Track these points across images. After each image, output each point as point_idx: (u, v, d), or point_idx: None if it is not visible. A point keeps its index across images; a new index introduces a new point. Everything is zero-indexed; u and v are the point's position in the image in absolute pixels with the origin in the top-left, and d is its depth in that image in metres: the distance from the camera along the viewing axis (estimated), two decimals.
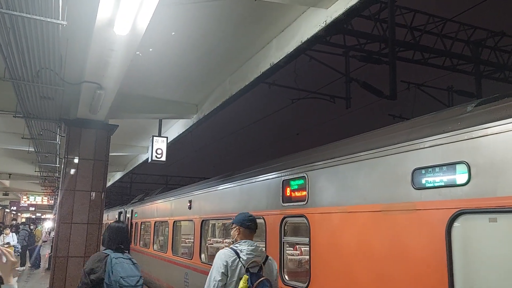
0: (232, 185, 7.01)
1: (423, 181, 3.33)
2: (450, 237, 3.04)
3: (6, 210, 43.43)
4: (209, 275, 3.30)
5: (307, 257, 4.90)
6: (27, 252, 15.52)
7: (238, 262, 3.17)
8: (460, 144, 3.12)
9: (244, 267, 3.14)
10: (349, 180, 4.17)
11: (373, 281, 3.64)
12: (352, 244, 3.97)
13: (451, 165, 3.14)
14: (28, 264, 15.20)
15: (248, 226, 3.45)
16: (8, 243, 8.63)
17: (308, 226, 4.67)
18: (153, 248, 11.66)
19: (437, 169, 3.24)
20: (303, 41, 5.15)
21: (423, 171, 3.35)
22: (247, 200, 6.46)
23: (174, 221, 9.88)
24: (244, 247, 3.26)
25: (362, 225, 3.89)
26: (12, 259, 2.08)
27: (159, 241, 11.53)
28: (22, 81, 5.57)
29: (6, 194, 27.67)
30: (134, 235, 14.64)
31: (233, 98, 7.29)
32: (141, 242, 13.46)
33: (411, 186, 3.40)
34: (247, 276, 3.08)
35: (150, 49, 5.72)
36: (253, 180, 6.26)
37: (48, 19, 3.75)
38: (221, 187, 7.48)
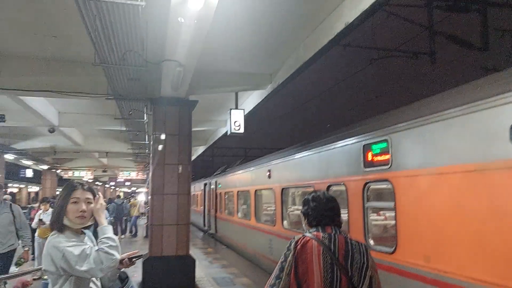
0: (310, 153, 7.00)
1: None
2: None
3: (106, 185, 48.14)
4: None
5: (392, 222, 4.78)
6: (118, 223, 17.07)
7: None
8: None
9: None
10: (438, 140, 3.93)
11: (467, 244, 3.46)
12: (442, 207, 3.78)
13: None
14: (120, 235, 16.79)
15: None
16: (40, 220, 8.44)
17: (393, 190, 4.53)
18: (238, 216, 12.20)
19: None
20: None
21: None
22: (326, 167, 6.43)
23: (255, 190, 10.20)
24: None
25: (453, 186, 3.69)
26: (101, 202, 2.33)
27: (243, 209, 12.02)
28: (110, 64, 6.00)
29: (105, 171, 30.59)
30: (219, 204, 15.40)
31: (307, 64, 7.17)
32: (226, 211, 14.14)
33: (510, 142, 3.12)
34: None
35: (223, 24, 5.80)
36: (332, 147, 6.19)
37: (128, 1, 3.97)
38: (299, 155, 7.51)
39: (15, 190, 47.30)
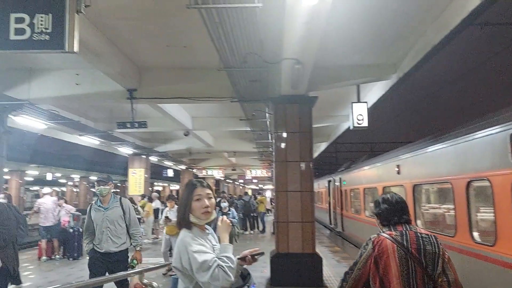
0: (445, 145, 6.35)
1: None
2: None
3: (236, 183, 51.21)
4: None
5: None
6: (247, 219, 17.87)
7: None
8: None
9: None
10: None
11: None
12: None
13: None
14: (249, 231, 17.58)
15: None
16: (167, 217, 8.53)
17: None
18: (365, 215, 11.75)
19: None
20: None
21: None
22: (464, 160, 5.75)
23: (383, 187, 9.69)
24: None
25: None
26: (226, 220, 2.41)
27: (370, 207, 11.53)
28: (233, 68, 6.32)
29: (233, 170, 32.56)
30: (345, 202, 15.06)
31: (436, 49, 6.52)
32: (352, 209, 13.74)
33: None
34: None
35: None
36: (471, 138, 5.51)
37: (246, 5, 4.11)
38: (432, 148, 6.88)
39: (160, 188, 53.55)
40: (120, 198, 5.34)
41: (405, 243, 2.51)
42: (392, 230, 2.61)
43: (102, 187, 5.15)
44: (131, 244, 5.25)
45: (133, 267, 5.06)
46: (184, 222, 2.37)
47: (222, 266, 2.16)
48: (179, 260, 2.24)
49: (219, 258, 2.21)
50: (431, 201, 8.11)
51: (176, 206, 8.67)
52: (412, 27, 6.56)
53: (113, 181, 5.42)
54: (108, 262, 5.05)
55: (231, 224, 2.59)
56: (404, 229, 2.59)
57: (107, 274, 5.00)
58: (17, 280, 6.67)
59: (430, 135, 7.64)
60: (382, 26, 6.48)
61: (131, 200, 14.54)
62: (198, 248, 2.21)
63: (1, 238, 5.09)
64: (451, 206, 6.23)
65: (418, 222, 7.52)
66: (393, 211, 2.67)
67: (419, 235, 2.55)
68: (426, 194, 8.21)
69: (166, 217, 8.53)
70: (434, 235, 2.57)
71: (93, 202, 5.31)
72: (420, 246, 2.50)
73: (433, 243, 2.52)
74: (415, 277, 2.44)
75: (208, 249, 2.26)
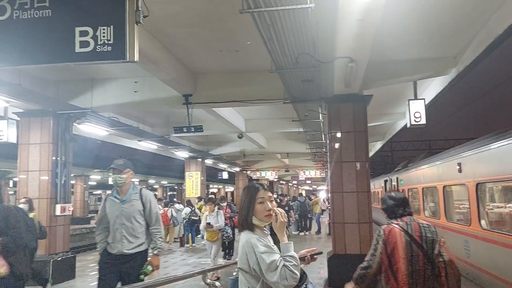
0: (511, 141, 5.96)
1: None
2: None
3: (289, 184, 51.12)
4: None
5: None
6: (302, 220, 17.74)
7: None
8: None
9: None
10: None
11: None
12: None
13: None
14: (305, 232, 17.42)
15: None
16: (208, 223, 8.20)
17: None
18: (424, 215, 11.28)
19: None
20: None
21: None
22: None
23: (443, 186, 9.25)
24: None
25: None
26: (282, 219, 2.36)
27: (430, 207, 11.05)
28: (285, 69, 6.35)
29: (287, 171, 32.50)
30: None
31: (501, 39, 6.15)
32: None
33: None
34: None
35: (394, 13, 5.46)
36: None
37: (299, 6, 4.13)
38: (496, 145, 6.47)
39: (215, 190, 54.69)
40: (141, 189, 4.48)
41: (409, 231, 3.09)
42: (399, 221, 3.19)
43: (117, 175, 4.28)
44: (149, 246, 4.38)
45: (146, 274, 4.23)
46: (247, 224, 2.41)
47: (288, 266, 2.19)
48: (246, 261, 2.28)
49: (283, 258, 2.23)
50: (496, 200, 7.63)
51: (216, 210, 8.59)
52: (472, 17, 6.23)
53: (132, 168, 4.46)
54: (120, 266, 4.21)
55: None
56: (409, 220, 3.18)
57: (119, 284, 4.22)
58: (43, 281, 5.96)
59: (493, 131, 7.19)
60: (440, 17, 6.22)
61: (189, 202, 15.06)
62: (265, 249, 2.25)
63: (12, 243, 4.21)
64: None
65: (482, 221, 7.10)
66: (398, 206, 3.27)
67: (421, 225, 3.16)
68: (490, 193, 7.73)
69: (208, 224, 8.30)
70: (433, 226, 3.20)
71: (109, 192, 4.54)
72: (422, 233, 3.09)
73: (433, 231, 3.13)
74: (417, 259, 3.02)
75: (273, 249, 2.30)
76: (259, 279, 2.27)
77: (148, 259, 4.35)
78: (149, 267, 4.25)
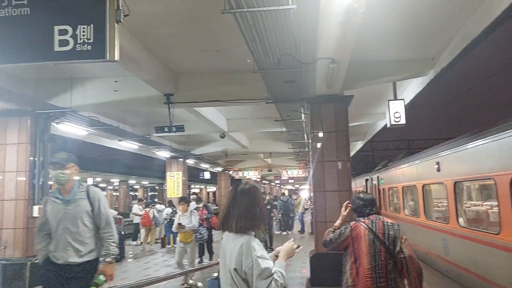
0: (487, 141, 6.12)
1: None
2: None
3: (272, 183, 51.27)
4: None
5: None
6: (285, 219, 17.84)
7: None
8: None
9: None
10: None
11: None
12: None
13: None
14: (288, 232, 17.54)
15: None
16: (180, 224, 7.77)
17: None
18: (404, 213, 11.48)
19: None
20: None
21: None
22: (509, 156, 5.53)
23: (423, 185, 9.43)
24: None
25: None
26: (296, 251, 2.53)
27: (409, 206, 11.25)
28: (267, 70, 6.36)
29: (270, 170, 32.57)
30: (383, 201, 14.77)
31: (476, 41, 6.30)
32: (391, 207, 13.46)
33: None
34: None
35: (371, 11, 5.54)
36: None
37: (280, 7, 4.15)
38: (472, 145, 6.65)
39: (197, 191, 54.38)
40: (88, 187, 3.91)
41: (374, 229, 3.38)
42: (366, 219, 3.49)
43: (58, 171, 3.71)
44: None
45: (98, 286, 3.65)
46: (252, 228, 2.39)
47: (277, 280, 2.21)
48: (240, 262, 2.25)
49: (274, 272, 2.24)
50: (473, 198, 7.83)
51: (190, 210, 8.25)
52: (450, 19, 6.38)
53: (77, 162, 3.92)
54: (65, 279, 3.59)
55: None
56: (374, 218, 3.47)
57: None
58: None
59: (468, 132, 7.38)
60: (419, 19, 6.34)
61: (170, 203, 14.89)
62: (261, 254, 2.26)
63: None
64: (495, 203, 6.00)
65: (460, 219, 7.28)
66: (366, 206, 3.57)
67: (385, 223, 3.43)
68: (467, 191, 7.94)
69: (180, 224, 7.86)
70: (397, 224, 3.46)
71: (50, 192, 3.81)
72: (385, 231, 3.36)
73: (395, 229, 3.39)
74: (379, 254, 3.29)
75: (270, 258, 2.32)
76: (248, 284, 2.24)
77: (100, 267, 3.78)
78: (101, 277, 3.69)
